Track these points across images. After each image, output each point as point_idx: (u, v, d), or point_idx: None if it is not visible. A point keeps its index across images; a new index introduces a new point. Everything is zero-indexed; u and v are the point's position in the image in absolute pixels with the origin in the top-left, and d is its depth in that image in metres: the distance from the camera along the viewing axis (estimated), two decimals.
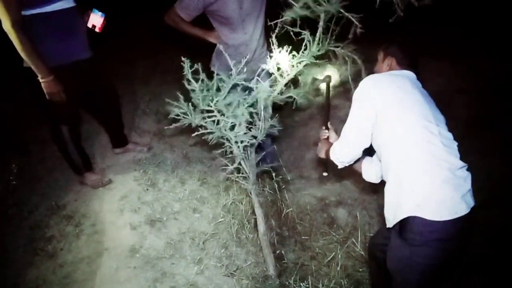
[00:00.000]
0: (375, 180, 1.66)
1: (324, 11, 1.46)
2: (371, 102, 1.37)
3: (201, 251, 2.08)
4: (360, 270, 2.03)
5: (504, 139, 2.69)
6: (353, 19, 1.43)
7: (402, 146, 1.29)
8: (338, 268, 2.00)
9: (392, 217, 1.33)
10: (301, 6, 1.44)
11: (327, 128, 1.78)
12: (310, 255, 2.13)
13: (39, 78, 2.02)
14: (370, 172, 1.66)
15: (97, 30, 2.27)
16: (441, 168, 1.23)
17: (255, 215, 1.95)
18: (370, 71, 1.63)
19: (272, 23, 1.56)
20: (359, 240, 2.14)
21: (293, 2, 1.44)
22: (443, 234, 1.22)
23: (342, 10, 1.47)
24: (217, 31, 2.23)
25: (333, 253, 2.08)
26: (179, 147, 2.99)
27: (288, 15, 1.48)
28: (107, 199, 2.44)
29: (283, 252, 2.10)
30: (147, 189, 2.51)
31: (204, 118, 1.63)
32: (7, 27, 1.87)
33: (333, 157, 1.60)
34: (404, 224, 1.26)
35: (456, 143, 1.32)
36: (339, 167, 1.62)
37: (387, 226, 1.39)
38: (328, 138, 1.76)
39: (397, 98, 1.34)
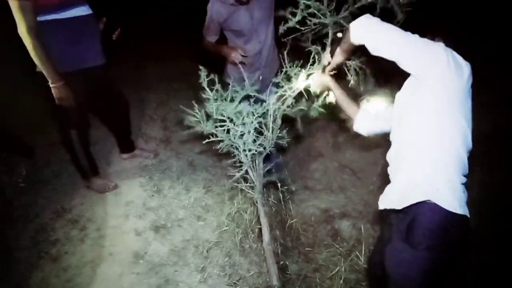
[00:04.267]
0: (365, 132, 1.65)
1: (328, 22, 1.50)
2: (436, 59, 1.20)
3: (205, 259, 2.08)
4: (363, 284, 2.01)
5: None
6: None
7: (439, 135, 1.23)
8: (341, 281, 1.99)
9: (398, 199, 1.29)
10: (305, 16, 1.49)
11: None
12: (313, 267, 2.12)
13: (50, 83, 2.06)
14: (363, 123, 1.63)
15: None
16: (461, 171, 1.25)
17: (259, 225, 1.96)
18: (380, 82, 1.66)
19: (285, 39, 1.59)
20: (362, 253, 2.13)
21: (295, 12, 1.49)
22: (448, 238, 1.22)
23: (342, 22, 1.51)
24: (232, 44, 2.26)
25: (337, 266, 2.07)
26: (185, 154, 3.01)
27: (290, 23, 1.52)
28: (112, 204, 2.46)
29: (287, 263, 2.10)
30: (153, 195, 2.53)
31: (216, 126, 1.66)
32: (22, 32, 1.92)
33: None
34: (413, 223, 1.25)
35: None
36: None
37: (384, 207, 1.36)
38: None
39: (456, 84, 1.22)
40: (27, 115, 3.28)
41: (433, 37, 1.35)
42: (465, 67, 1.23)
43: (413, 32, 1.27)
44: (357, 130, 1.67)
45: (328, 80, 1.68)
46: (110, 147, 2.97)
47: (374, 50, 1.31)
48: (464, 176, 1.26)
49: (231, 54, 2.14)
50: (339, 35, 1.54)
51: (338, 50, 1.54)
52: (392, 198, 1.35)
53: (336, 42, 1.55)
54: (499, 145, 2.87)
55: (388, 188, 1.40)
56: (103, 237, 2.22)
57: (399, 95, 1.43)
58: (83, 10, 2.16)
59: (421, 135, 1.27)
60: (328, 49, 1.62)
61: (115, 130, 2.81)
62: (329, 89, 1.71)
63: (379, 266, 1.51)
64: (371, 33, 1.31)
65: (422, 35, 1.29)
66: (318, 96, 1.72)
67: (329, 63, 1.66)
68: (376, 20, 1.32)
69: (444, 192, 1.21)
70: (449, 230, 1.22)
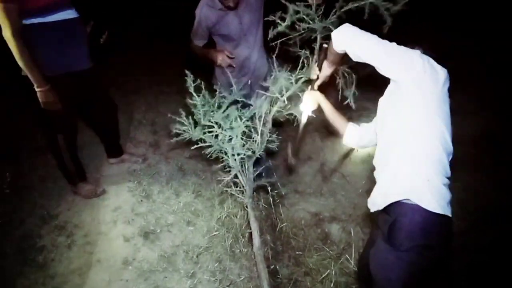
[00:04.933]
0: (354, 144, 1.70)
1: (317, 27, 1.52)
2: (411, 64, 1.26)
3: (195, 265, 2.06)
4: (354, 287, 2.03)
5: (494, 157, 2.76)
6: None
7: (417, 135, 1.28)
8: (332, 284, 2.00)
9: (381, 200, 1.33)
10: (293, 21, 1.50)
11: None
12: (304, 271, 2.12)
13: (35, 87, 2.02)
14: (352, 136, 1.68)
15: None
16: (442, 172, 1.27)
17: (250, 229, 1.96)
18: (366, 85, 1.69)
19: (273, 43, 1.60)
20: (353, 256, 2.15)
21: (285, 18, 1.50)
22: (429, 238, 1.24)
23: (331, 27, 1.54)
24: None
25: (327, 270, 2.08)
26: (174, 158, 2.99)
27: (280, 28, 1.54)
28: (100, 209, 2.42)
29: (277, 267, 2.10)
30: (141, 201, 2.50)
31: (204, 132, 1.66)
32: (7, 35, 1.88)
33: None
34: (394, 225, 1.27)
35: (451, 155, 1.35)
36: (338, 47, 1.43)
37: (372, 210, 1.40)
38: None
39: (432, 88, 1.27)
40: (12, 118, 3.22)
41: (413, 46, 1.41)
42: (441, 72, 1.29)
43: (398, 38, 1.34)
44: (347, 144, 1.72)
45: (318, 96, 1.73)
46: (98, 152, 2.92)
47: (354, 57, 1.37)
48: (447, 177, 1.29)
49: (218, 58, 2.14)
50: (325, 45, 1.57)
51: (325, 63, 1.58)
52: (376, 201, 1.39)
53: (322, 52, 1.57)
54: (486, 149, 2.94)
55: (373, 191, 1.44)
56: (90, 244, 2.18)
57: (381, 100, 1.49)
58: (69, 14, 2.13)
59: (400, 137, 1.32)
60: (315, 64, 1.65)
61: (103, 135, 2.77)
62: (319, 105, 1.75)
63: (368, 269, 1.53)
64: (351, 41, 1.37)
65: (404, 43, 1.36)
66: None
67: (317, 78, 1.69)
68: (355, 29, 1.38)
69: (423, 191, 1.24)
70: (430, 231, 1.24)
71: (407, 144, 1.30)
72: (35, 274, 2.00)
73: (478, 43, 4.14)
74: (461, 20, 4.19)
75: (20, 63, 1.96)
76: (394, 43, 1.31)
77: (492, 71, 3.76)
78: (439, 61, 1.33)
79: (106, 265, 2.04)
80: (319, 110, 1.76)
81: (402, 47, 1.30)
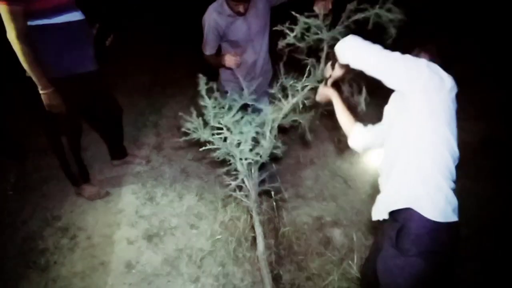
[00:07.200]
0: (360, 148, 1.65)
1: (325, 38, 1.53)
2: (417, 75, 1.25)
3: (198, 269, 2.07)
4: None
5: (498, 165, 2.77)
6: None
7: (424, 143, 1.28)
8: None
9: (384, 207, 1.34)
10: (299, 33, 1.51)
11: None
12: (306, 276, 2.13)
13: (39, 89, 2.03)
14: (358, 138, 1.65)
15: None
16: (449, 178, 1.28)
17: (253, 233, 1.96)
18: (372, 94, 1.69)
19: (280, 50, 1.61)
20: (355, 261, 2.15)
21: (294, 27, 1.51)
22: (437, 244, 1.24)
23: (338, 37, 1.55)
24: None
25: (329, 275, 2.09)
26: (178, 161, 2.99)
27: (289, 39, 1.55)
28: (104, 212, 2.42)
29: (280, 272, 2.10)
30: (145, 203, 2.50)
31: (212, 134, 1.67)
32: (12, 37, 1.88)
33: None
34: (401, 230, 1.27)
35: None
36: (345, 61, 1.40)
37: (376, 218, 1.40)
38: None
39: (439, 96, 1.28)
40: (15, 119, 3.22)
41: (418, 53, 1.43)
42: (447, 80, 1.29)
43: (401, 47, 1.34)
44: (352, 146, 1.70)
45: (331, 93, 1.70)
46: (102, 154, 2.93)
47: (359, 69, 1.37)
48: (453, 181, 1.29)
49: (226, 59, 2.15)
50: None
51: (337, 64, 1.57)
52: (381, 208, 1.38)
53: (332, 55, 1.57)
54: (486, 155, 2.95)
55: (378, 198, 1.44)
56: (94, 246, 2.18)
57: (386, 108, 1.49)
58: (75, 16, 2.14)
59: (407, 145, 1.32)
60: (328, 62, 1.64)
61: (107, 136, 2.78)
62: (330, 101, 1.73)
63: (372, 274, 1.53)
64: (354, 55, 1.37)
65: (410, 49, 1.37)
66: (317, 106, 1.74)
67: (330, 76, 1.68)
68: (359, 42, 1.38)
69: (427, 201, 1.24)
70: (438, 237, 1.24)
71: (413, 151, 1.30)
72: (37, 277, 2.00)
73: (479, 47, 4.16)
74: (464, 24, 4.21)
75: (25, 65, 1.96)
76: (399, 53, 1.30)
77: (492, 76, 3.78)
78: (445, 67, 1.33)
79: (109, 268, 2.04)
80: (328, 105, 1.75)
81: (407, 57, 1.29)
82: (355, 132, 1.65)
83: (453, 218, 1.25)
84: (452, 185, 1.29)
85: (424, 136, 1.29)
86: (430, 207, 1.24)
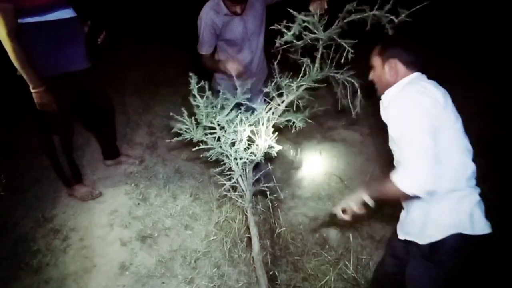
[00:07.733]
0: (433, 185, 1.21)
1: (318, 38, 1.51)
2: (428, 113, 1.21)
3: (193, 270, 2.04)
4: None
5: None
6: (345, 44, 1.49)
7: (453, 162, 1.26)
8: None
9: (419, 231, 1.32)
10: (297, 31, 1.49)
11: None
12: (302, 277, 2.11)
13: (30, 88, 1.99)
14: (426, 177, 1.27)
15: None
16: (475, 189, 1.30)
17: (248, 234, 1.94)
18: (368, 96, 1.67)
19: (274, 50, 1.59)
20: (351, 262, 2.14)
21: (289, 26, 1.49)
22: (471, 256, 1.28)
23: (335, 37, 1.53)
24: (224, 53, 2.23)
25: (325, 275, 2.07)
26: (172, 161, 2.96)
27: (286, 37, 1.53)
28: (96, 212, 2.39)
29: (276, 273, 2.09)
30: (138, 204, 2.47)
31: (205, 134, 1.64)
32: (2, 35, 1.86)
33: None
34: (437, 244, 1.28)
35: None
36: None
37: (404, 238, 1.39)
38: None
39: (444, 112, 1.26)
40: (6, 118, 3.17)
41: (409, 67, 1.35)
42: (438, 94, 1.27)
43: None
44: (428, 189, 1.20)
45: (360, 196, 1.41)
46: (94, 153, 2.89)
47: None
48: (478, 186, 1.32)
49: (228, 67, 2.03)
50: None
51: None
52: (410, 231, 1.38)
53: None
54: (482, 153, 2.95)
55: (404, 218, 1.42)
56: (86, 248, 2.15)
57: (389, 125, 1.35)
58: (67, 13, 2.11)
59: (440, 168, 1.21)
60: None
61: (99, 136, 2.74)
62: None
63: (390, 277, 1.57)
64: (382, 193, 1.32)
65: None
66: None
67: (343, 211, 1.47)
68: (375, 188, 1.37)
69: (465, 220, 1.25)
70: (472, 248, 1.28)
71: (448, 173, 1.25)
72: (30, 278, 1.97)
73: (474, 47, 4.17)
74: (461, 24, 4.22)
75: (15, 63, 1.93)
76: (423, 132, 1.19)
77: (489, 75, 3.78)
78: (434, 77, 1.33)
79: (103, 270, 2.01)
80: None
81: (419, 120, 1.21)
82: (400, 179, 1.21)
83: (488, 230, 1.27)
84: (479, 190, 1.31)
85: (448, 153, 1.25)
86: (469, 225, 1.25)
